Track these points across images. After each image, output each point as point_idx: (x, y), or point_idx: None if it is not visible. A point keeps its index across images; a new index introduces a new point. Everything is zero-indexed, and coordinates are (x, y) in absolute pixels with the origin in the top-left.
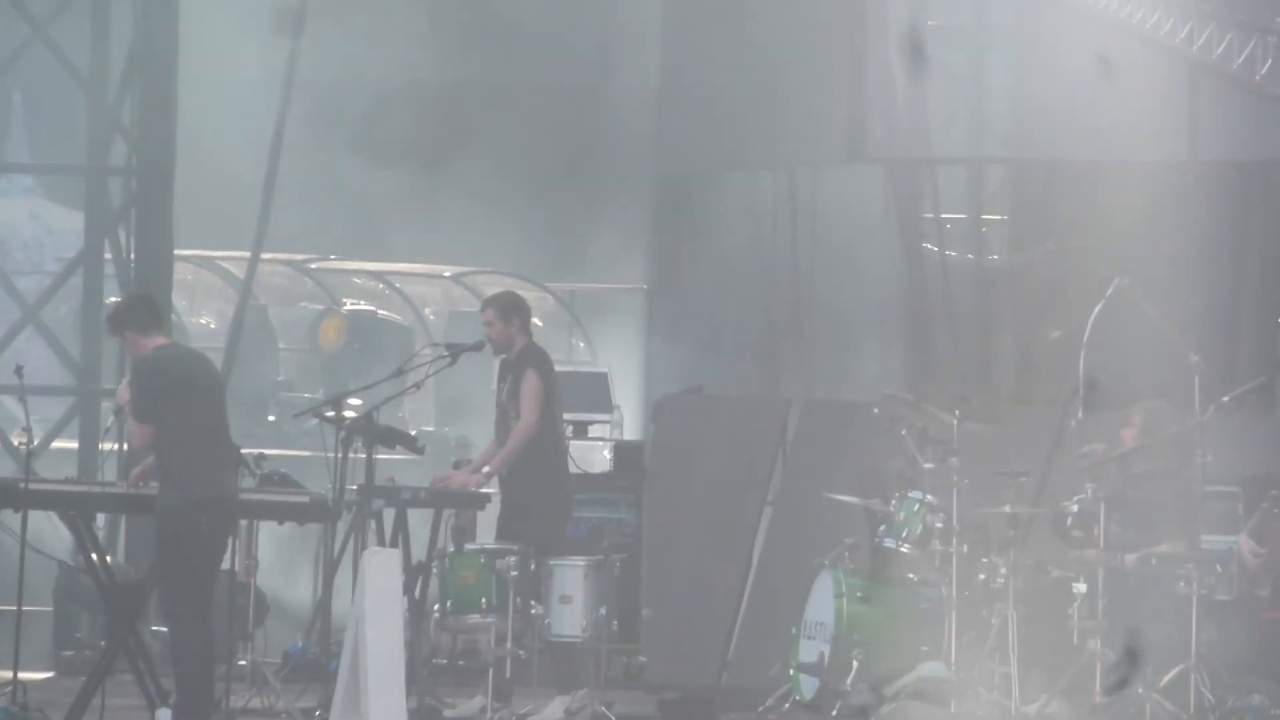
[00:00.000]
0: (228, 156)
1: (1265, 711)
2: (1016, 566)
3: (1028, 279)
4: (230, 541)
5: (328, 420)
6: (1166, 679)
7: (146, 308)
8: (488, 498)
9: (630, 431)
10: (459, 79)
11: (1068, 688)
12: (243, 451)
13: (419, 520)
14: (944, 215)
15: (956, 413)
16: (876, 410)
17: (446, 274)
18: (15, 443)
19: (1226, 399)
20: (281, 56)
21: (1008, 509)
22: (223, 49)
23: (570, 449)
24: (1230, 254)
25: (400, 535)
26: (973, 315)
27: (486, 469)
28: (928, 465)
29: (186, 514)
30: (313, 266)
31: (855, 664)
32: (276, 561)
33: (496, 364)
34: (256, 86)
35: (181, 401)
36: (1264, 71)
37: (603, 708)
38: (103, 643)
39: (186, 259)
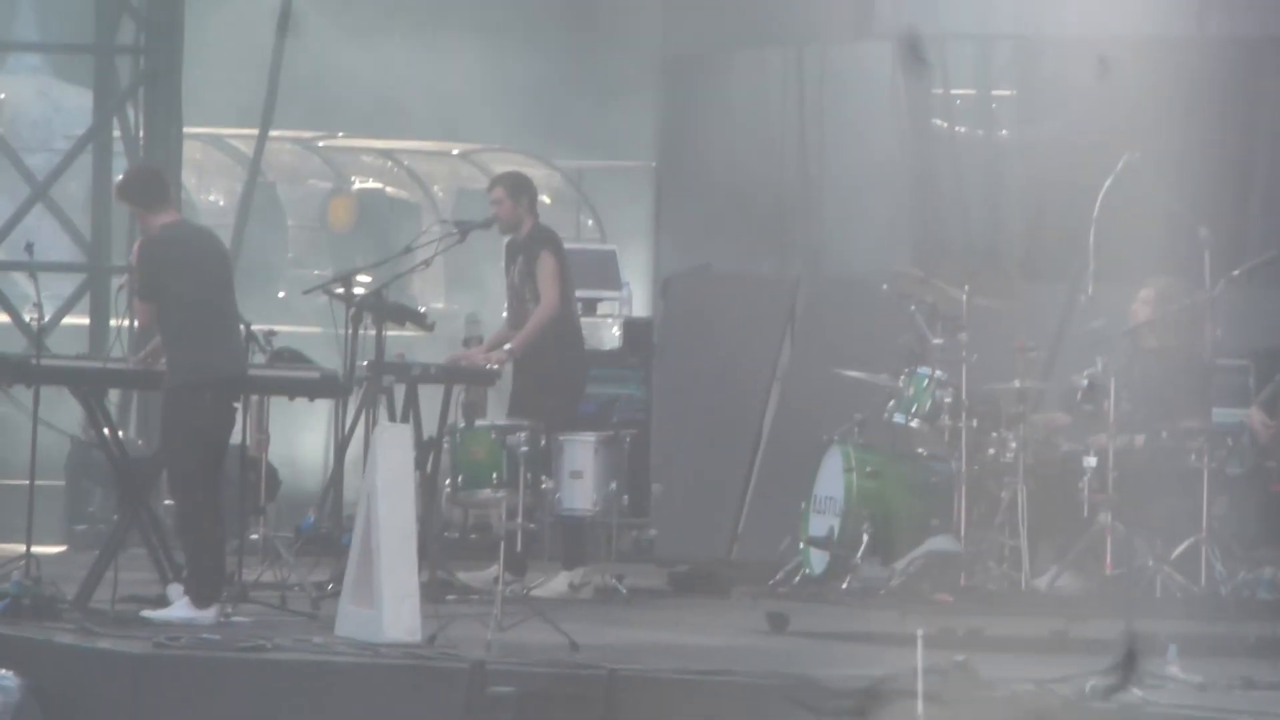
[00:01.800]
0: (236, 33)
1: (1276, 583)
2: (1026, 441)
3: (1037, 155)
4: (240, 417)
5: (337, 297)
6: (1177, 553)
7: (155, 182)
8: (498, 374)
9: (639, 309)
10: None
11: (1077, 561)
12: (253, 328)
13: (429, 396)
14: (953, 91)
15: (965, 288)
16: (885, 286)
17: (454, 151)
18: (26, 319)
19: (1237, 273)
20: None
21: (1017, 384)
22: None
23: (580, 325)
24: (1240, 129)
25: (411, 411)
26: (981, 191)
27: (509, 347)
28: (937, 341)
29: (193, 393)
30: (321, 144)
31: (865, 538)
32: (287, 437)
33: (504, 243)
34: None
35: (189, 279)
36: None
37: (613, 581)
38: (115, 517)
39: (195, 137)
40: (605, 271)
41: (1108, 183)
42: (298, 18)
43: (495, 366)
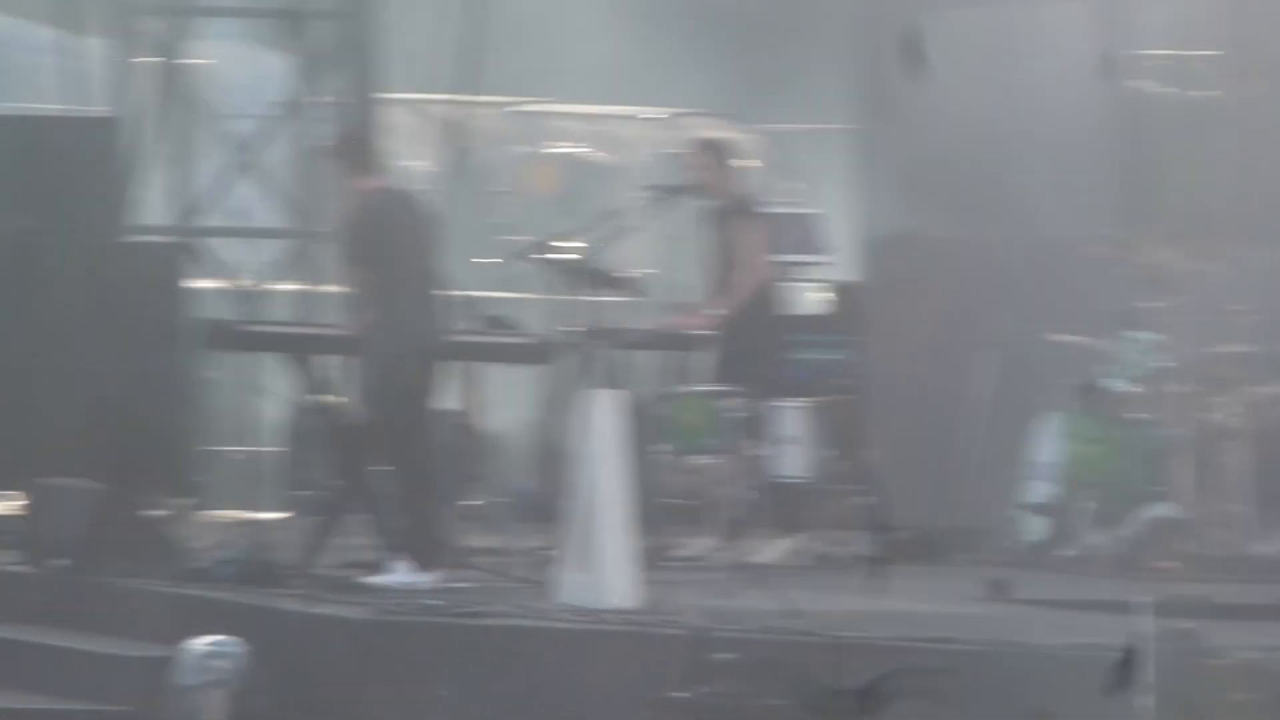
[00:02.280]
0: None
1: None
2: (1249, 405)
3: (1249, 114)
4: (454, 384)
5: (547, 264)
6: None
7: (365, 146)
8: (707, 340)
9: (847, 273)
10: None
11: None
12: (459, 294)
13: (642, 363)
14: (1152, 50)
15: (1176, 250)
16: (1095, 249)
17: (656, 116)
18: (240, 284)
19: None
20: None
21: (1238, 347)
22: None
23: (787, 291)
24: None
25: (624, 377)
26: (1191, 151)
27: (718, 313)
28: (1154, 304)
29: (399, 360)
30: (523, 110)
31: (1086, 505)
32: (501, 403)
33: (706, 209)
34: None
35: (397, 245)
36: None
37: (832, 547)
38: (336, 484)
39: (397, 102)
40: (812, 236)
41: None
42: None
43: (703, 333)
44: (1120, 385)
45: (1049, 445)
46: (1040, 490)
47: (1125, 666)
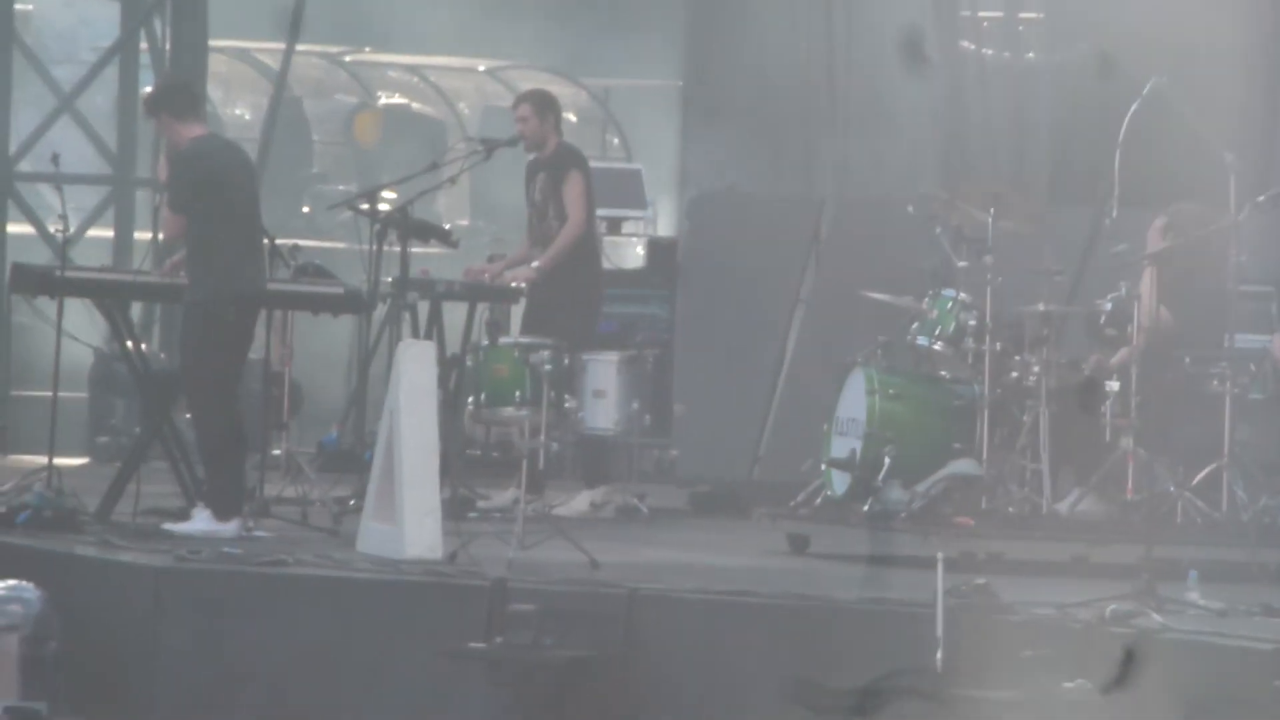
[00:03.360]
0: None
1: None
2: (1049, 365)
3: (1064, 78)
4: (264, 333)
5: (362, 213)
6: (1199, 478)
7: (185, 93)
8: (522, 291)
9: (664, 228)
10: None
11: (1099, 485)
12: (277, 243)
13: (453, 314)
14: (981, 13)
15: (991, 211)
16: (911, 209)
17: (481, 68)
18: (51, 230)
19: (1262, 198)
20: None
21: (1042, 307)
22: None
23: (604, 245)
24: (1268, 53)
25: (435, 328)
26: (1008, 114)
27: (536, 265)
28: (962, 263)
29: (215, 307)
30: (347, 59)
31: (887, 460)
32: (311, 352)
33: (528, 160)
34: None
35: (216, 194)
36: None
37: (634, 500)
38: (137, 430)
39: (221, 50)
40: (630, 191)
41: (1134, 106)
42: None
43: (521, 284)
44: (925, 342)
45: (853, 400)
46: (842, 445)
47: (1126, 665)
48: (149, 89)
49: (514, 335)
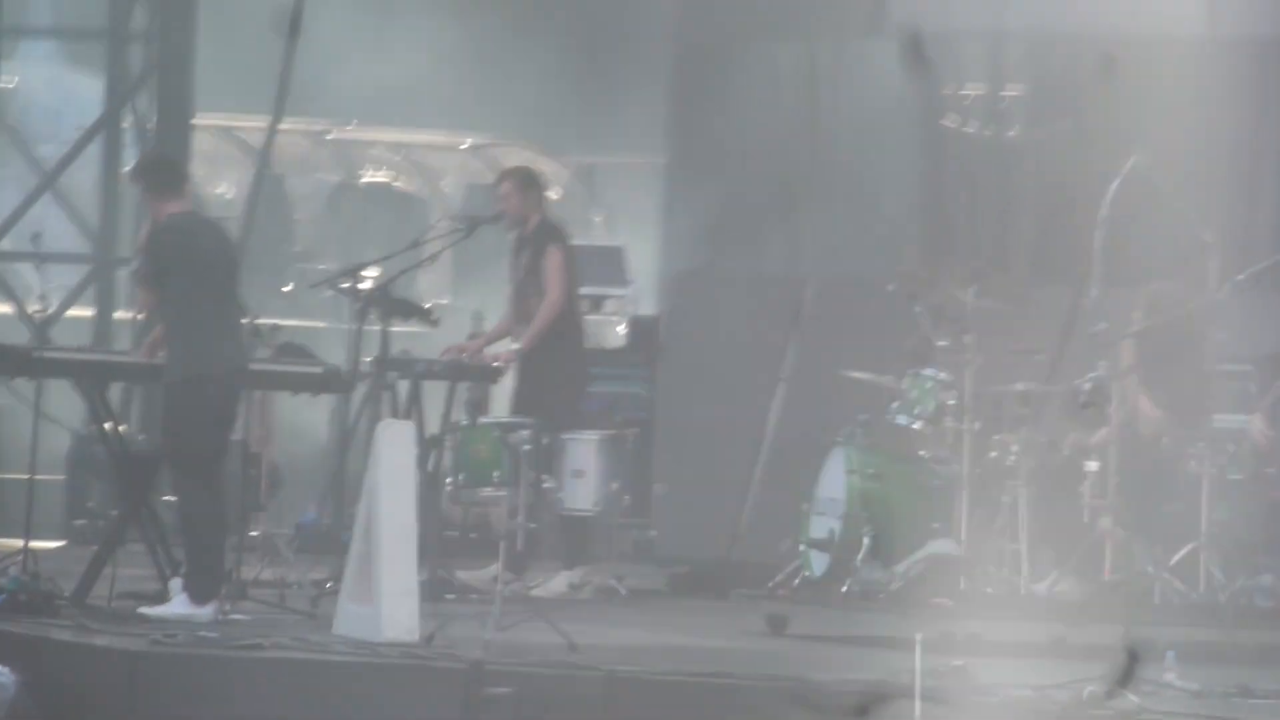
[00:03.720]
0: (249, 22)
1: (1275, 590)
2: (1029, 444)
3: (1046, 155)
4: (243, 412)
5: (343, 292)
6: (1177, 558)
7: (170, 170)
8: (502, 371)
9: (646, 306)
10: None
11: (1078, 566)
12: (257, 322)
13: (433, 393)
14: (963, 89)
15: (972, 290)
16: (891, 287)
17: (464, 146)
18: (30, 310)
19: (1242, 277)
20: None
21: (1021, 386)
22: None
23: (585, 323)
24: (1249, 131)
25: (414, 408)
26: (990, 191)
27: (515, 347)
28: (942, 342)
29: (195, 385)
30: (330, 136)
31: (865, 540)
32: (291, 433)
33: (511, 238)
34: None
35: (194, 271)
36: None
37: (613, 581)
38: (114, 512)
39: (205, 128)
40: (612, 268)
41: (1115, 184)
42: (305, 11)
43: (500, 364)
44: (905, 421)
45: (832, 480)
46: (821, 525)
47: (1129, 665)
48: (136, 161)
49: (495, 414)
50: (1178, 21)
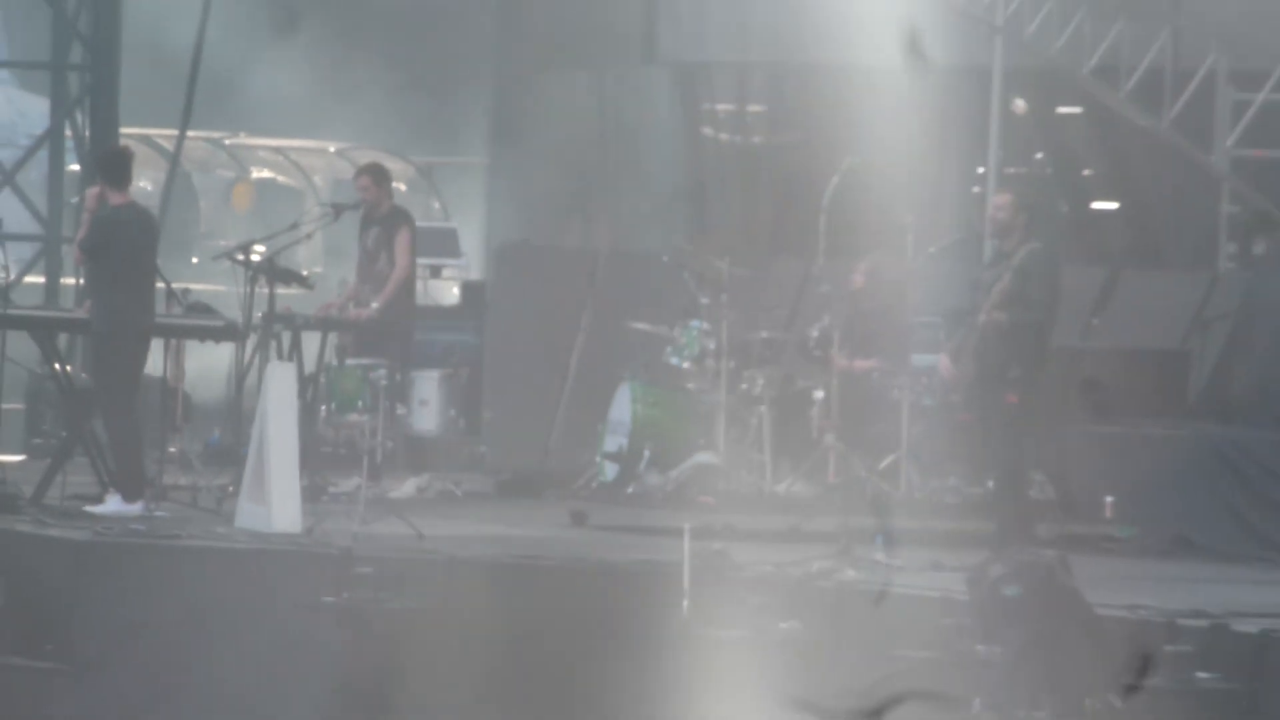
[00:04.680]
0: (161, 53)
1: (958, 489)
2: (771, 378)
3: (782, 157)
4: (161, 356)
5: (239, 262)
6: (884, 464)
7: (120, 167)
8: (364, 324)
9: (474, 274)
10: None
11: (808, 471)
12: (173, 286)
13: (310, 341)
14: (717, 106)
15: (726, 260)
16: (665, 258)
17: (331, 149)
18: None
19: (933, 250)
20: None
21: (764, 334)
22: None
23: (427, 287)
24: (937, 139)
25: (295, 352)
26: (739, 185)
27: (375, 305)
28: (704, 300)
29: (116, 337)
30: (227, 142)
31: (646, 453)
32: (199, 372)
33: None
34: None
35: (122, 251)
36: None
37: (451, 486)
38: (63, 433)
39: (129, 136)
40: (448, 244)
41: (835, 180)
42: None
43: (365, 318)
44: (676, 361)
45: (621, 407)
46: (613, 441)
47: (1134, 669)
48: (102, 152)
49: (358, 357)
50: (883, 54)
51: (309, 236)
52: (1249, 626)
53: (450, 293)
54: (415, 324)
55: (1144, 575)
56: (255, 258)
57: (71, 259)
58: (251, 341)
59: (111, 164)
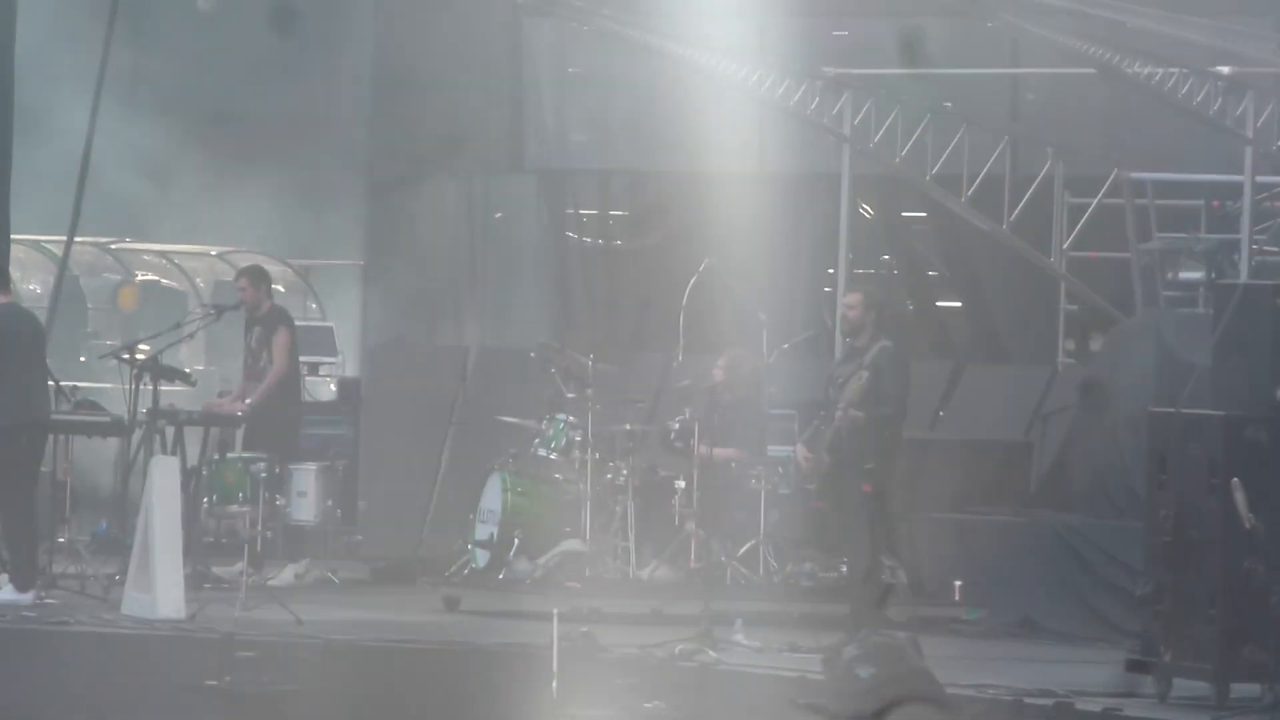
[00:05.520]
0: (50, 164)
1: (814, 574)
2: (634, 469)
3: (643, 259)
4: (50, 450)
5: (124, 361)
6: (742, 550)
7: (2, 274)
8: (242, 419)
9: (350, 370)
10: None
11: (670, 557)
12: (61, 384)
13: (193, 435)
14: (581, 211)
15: (591, 356)
16: (533, 354)
17: (213, 252)
18: None
19: (786, 346)
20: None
21: (628, 426)
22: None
23: (305, 383)
24: (789, 241)
25: (179, 446)
26: (603, 285)
27: (249, 401)
28: (570, 394)
29: (12, 433)
30: (113, 247)
31: (516, 541)
32: (86, 465)
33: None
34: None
35: (11, 347)
36: (814, 104)
37: (329, 573)
38: None
39: (19, 243)
40: (325, 342)
41: (693, 279)
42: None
43: (240, 414)
44: (544, 453)
45: (491, 496)
46: (484, 529)
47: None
48: None
49: (238, 451)
50: (738, 160)
51: (191, 336)
52: (1092, 705)
53: (327, 389)
54: (300, 418)
55: (992, 655)
56: (140, 356)
57: None
58: (137, 436)
59: None
